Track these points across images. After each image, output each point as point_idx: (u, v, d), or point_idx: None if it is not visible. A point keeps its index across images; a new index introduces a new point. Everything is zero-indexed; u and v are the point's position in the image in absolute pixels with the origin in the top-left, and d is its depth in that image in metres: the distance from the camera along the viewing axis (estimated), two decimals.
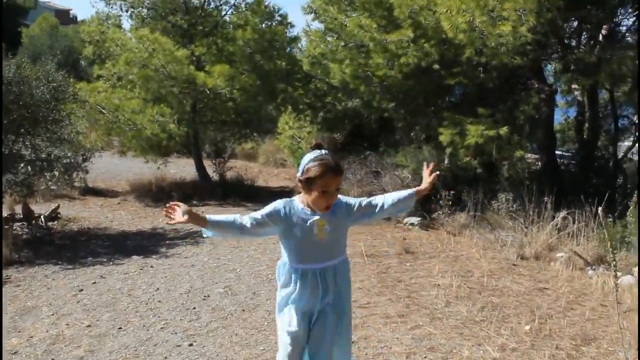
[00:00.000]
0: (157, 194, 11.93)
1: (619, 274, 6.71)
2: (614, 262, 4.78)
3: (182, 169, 15.43)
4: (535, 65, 10.92)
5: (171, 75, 11.22)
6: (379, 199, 2.92)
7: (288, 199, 2.81)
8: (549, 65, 13.35)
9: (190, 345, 4.48)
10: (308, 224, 2.71)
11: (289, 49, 14.22)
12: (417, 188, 2.94)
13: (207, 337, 4.64)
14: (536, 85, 11.22)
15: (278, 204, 2.76)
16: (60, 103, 8.76)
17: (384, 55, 10.12)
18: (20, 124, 8.14)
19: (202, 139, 14.54)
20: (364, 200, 2.92)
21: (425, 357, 4.13)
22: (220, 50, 12.74)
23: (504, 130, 9.14)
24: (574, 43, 11.63)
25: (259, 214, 2.72)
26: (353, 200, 2.91)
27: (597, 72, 9.73)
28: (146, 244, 8.18)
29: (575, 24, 11.34)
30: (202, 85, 11.48)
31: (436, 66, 9.58)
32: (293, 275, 2.81)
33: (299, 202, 2.78)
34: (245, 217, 2.72)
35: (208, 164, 14.00)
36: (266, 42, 12.70)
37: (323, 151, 2.69)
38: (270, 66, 12.59)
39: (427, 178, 2.94)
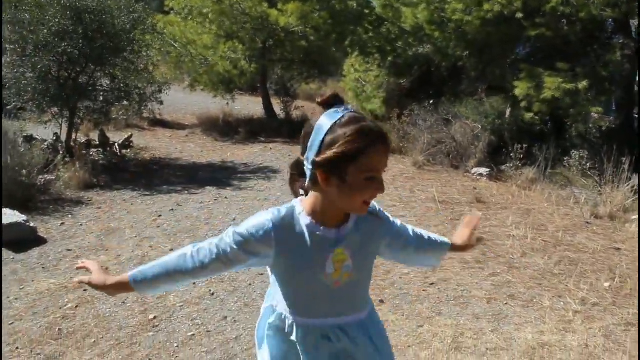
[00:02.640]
0: (225, 128, 12.12)
1: None
2: None
3: (246, 106, 15.57)
4: (623, 19, 10.41)
5: (245, 11, 11.19)
6: (409, 235, 1.80)
7: (281, 208, 1.58)
8: (633, 20, 12.70)
9: None
10: (320, 256, 1.57)
11: None
12: (454, 242, 1.93)
13: None
14: (621, 41, 10.74)
15: (265, 220, 1.54)
16: (139, 33, 8.90)
17: (464, 1, 9.81)
18: (101, 53, 8.31)
19: (269, 77, 14.59)
20: (405, 228, 1.81)
21: (506, 303, 4.16)
22: None
23: (582, 84, 8.84)
24: None
25: (226, 243, 1.56)
26: (396, 222, 1.78)
27: None
28: (218, 176, 8.36)
29: None
30: (274, 23, 11.42)
31: (519, 14, 9.23)
32: (285, 333, 1.69)
33: (303, 211, 1.56)
34: (203, 248, 1.59)
35: (275, 103, 14.07)
36: None
37: (348, 107, 1.51)
38: (342, 6, 12.39)
39: (467, 236, 1.95)
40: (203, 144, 11.07)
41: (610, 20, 10.02)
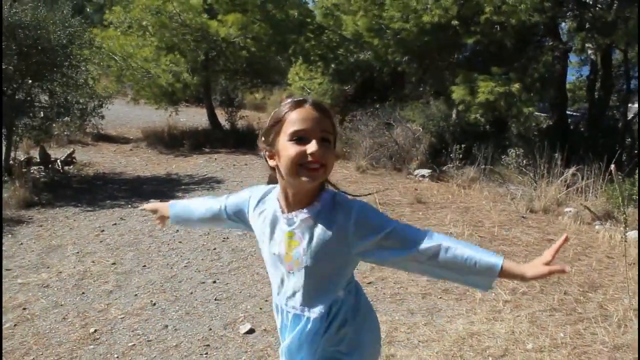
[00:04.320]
0: (170, 141, 12.07)
1: (626, 228, 6.92)
2: (625, 217, 4.97)
3: (192, 117, 15.53)
4: (551, 23, 10.88)
5: (185, 23, 11.20)
6: (431, 241, 1.59)
7: (263, 187, 1.78)
8: (563, 24, 13.24)
9: (214, 282, 4.68)
10: (275, 234, 1.67)
11: None
12: (511, 267, 1.56)
13: (230, 275, 4.83)
14: (551, 43, 11.22)
15: (246, 191, 1.84)
16: (77, 48, 8.82)
17: (402, 10, 10.08)
18: (38, 69, 8.20)
19: (214, 88, 14.60)
20: (403, 228, 1.62)
21: (440, 297, 4.33)
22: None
23: (515, 87, 9.21)
24: (590, 1, 11.52)
25: (225, 201, 1.92)
26: (382, 219, 1.61)
27: (613, 31, 9.71)
28: (162, 188, 8.34)
29: None
30: (215, 34, 11.47)
31: (455, 22, 9.54)
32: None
33: (275, 194, 1.70)
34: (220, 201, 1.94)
35: (219, 113, 14.09)
36: None
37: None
38: (283, 16, 12.52)
39: (542, 268, 1.52)
40: (148, 157, 11.00)
41: (540, 24, 10.43)
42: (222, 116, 13.98)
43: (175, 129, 13.00)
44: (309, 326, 1.67)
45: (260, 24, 11.91)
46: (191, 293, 4.46)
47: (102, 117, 10.22)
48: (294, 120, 1.49)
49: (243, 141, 12.31)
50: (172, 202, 2.09)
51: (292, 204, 1.61)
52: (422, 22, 9.81)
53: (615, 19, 9.69)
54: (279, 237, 1.64)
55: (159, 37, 11.71)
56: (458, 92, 9.69)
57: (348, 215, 1.56)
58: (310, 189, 1.57)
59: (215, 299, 4.33)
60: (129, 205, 7.34)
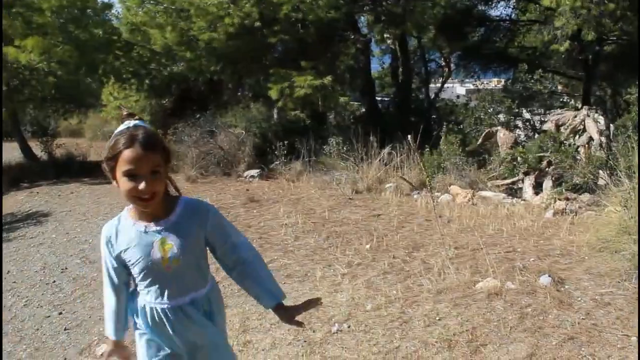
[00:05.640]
0: None
1: (438, 193, 7.81)
2: (429, 183, 5.67)
3: None
4: (349, 18, 11.72)
5: None
6: (241, 255, 2.03)
7: (112, 220, 1.98)
8: (362, 17, 14.31)
9: (60, 314, 4.58)
10: (145, 247, 1.90)
11: (103, 17, 13.70)
12: (281, 306, 2.10)
13: (75, 304, 4.75)
14: (352, 37, 12.10)
15: (102, 233, 1.97)
16: None
17: (206, 18, 10.28)
18: None
19: (22, 119, 13.72)
20: (241, 245, 2.05)
21: (284, 283, 4.64)
22: (28, 22, 11.96)
23: (327, 79, 9.87)
24: None
25: (109, 269, 1.98)
26: (232, 228, 2.07)
27: (404, 22, 10.76)
28: None
29: None
30: (14, 62, 10.82)
31: (258, 24, 9.96)
32: (151, 323, 2.02)
33: (127, 214, 1.96)
34: (110, 284, 2.02)
35: (33, 144, 13.29)
36: (77, 10, 12.20)
37: (134, 122, 1.84)
38: (87, 36, 12.11)
39: (295, 315, 2.10)
40: None
41: (339, 20, 11.20)
42: (37, 147, 13.19)
43: None
44: (190, 310, 1.99)
45: (63, 47, 11.42)
46: (37, 329, 4.34)
47: None
48: (126, 160, 1.75)
49: (64, 170, 11.74)
50: (108, 332, 2.10)
51: (148, 214, 1.90)
52: (228, 29, 10.09)
53: (403, 12, 10.75)
54: (153, 246, 1.89)
55: None
56: (275, 91, 10.13)
57: (206, 216, 1.96)
58: (157, 204, 1.87)
59: (65, 329, 4.26)
60: None
